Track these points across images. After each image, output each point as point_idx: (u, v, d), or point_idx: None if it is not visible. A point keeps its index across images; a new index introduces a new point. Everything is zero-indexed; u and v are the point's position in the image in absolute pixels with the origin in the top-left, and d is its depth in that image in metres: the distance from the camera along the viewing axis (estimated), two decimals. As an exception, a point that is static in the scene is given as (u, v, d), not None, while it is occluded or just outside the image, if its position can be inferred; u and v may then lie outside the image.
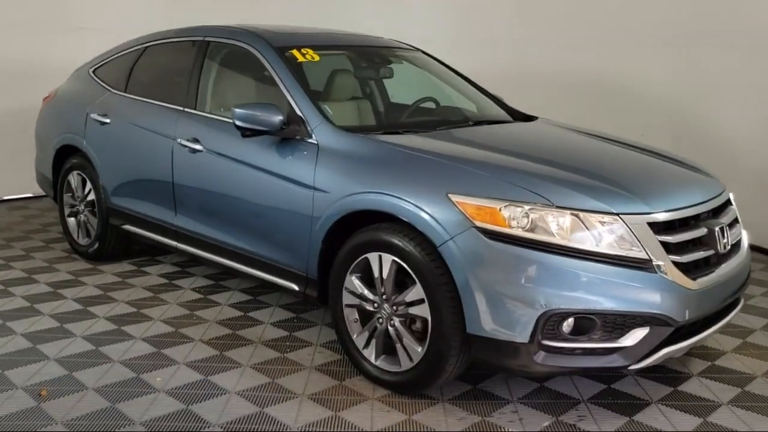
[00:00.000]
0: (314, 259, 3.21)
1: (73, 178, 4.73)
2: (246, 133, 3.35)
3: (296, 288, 3.36)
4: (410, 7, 7.17)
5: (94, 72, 4.81)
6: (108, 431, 2.65)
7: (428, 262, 2.74)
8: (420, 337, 2.85)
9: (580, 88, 6.13)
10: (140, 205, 4.24)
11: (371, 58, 4.30)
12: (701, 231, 2.85)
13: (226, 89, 4.12)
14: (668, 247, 2.70)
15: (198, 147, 3.76)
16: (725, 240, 2.92)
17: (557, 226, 2.62)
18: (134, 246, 4.73)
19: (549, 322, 2.58)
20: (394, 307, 2.91)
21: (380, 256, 2.91)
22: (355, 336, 3.08)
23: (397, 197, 2.86)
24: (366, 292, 3.00)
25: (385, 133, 3.37)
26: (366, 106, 4.13)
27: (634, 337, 2.60)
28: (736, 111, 5.23)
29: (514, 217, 2.64)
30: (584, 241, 2.61)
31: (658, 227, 2.72)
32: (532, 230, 2.62)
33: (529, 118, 4.10)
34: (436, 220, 2.74)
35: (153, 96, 4.26)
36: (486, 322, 2.64)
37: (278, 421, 2.74)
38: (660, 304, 2.61)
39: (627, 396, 2.98)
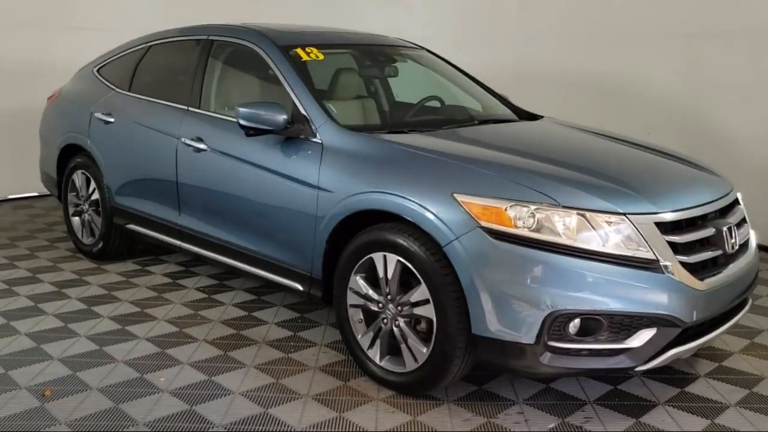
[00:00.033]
0: (319, 259, 3.20)
1: (78, 178, 4.73)
2: (250, 132, 3.33)
3: (300, 288, 3.35)
4: (411, 7, 7.15)
5: (98, 71, 4.81)
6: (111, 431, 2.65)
7: (433, 263, 2.72)
8: (425, 338, 2.83)
9: (583, 87, 6.11)
10: (144, 205, 4.23)
11: (376, 57, 4.28)
12: (709, 231, 2.83)
13: (230, 88, 4.10)
14: (675, 248, 2.67)
15: (202, 146, 3.75)
16: (733, 240, 2.90)
17: (563, 226, 2.60)
18: (138, 245, 4.73)
19: (555, 323, 2.56)
20: (399, 308, 2.89)
21: (385, 256, 2.89)
22: (359, 336, 3.06)
23: (402, 197, 2.84)
24: (371, 292, 2.99)
25: (389, 133, 3.35)
26: (371, 105, 4.11)
27: (641, 338, 2.58)
28: (739, 111, 5.21)
29: (520, 217, 2.62)
30: (591, 241, 2.59)
31: (665, 227, 2.69)
32: (538, 230, 2.60)
33: (534, 117, 4.07)
34: (441, 220, 2.72)
35: (157, 95, 4.25)
36: (491, 322, 2.62)
37: (282, 422, 2.72)
38: (667, 305, 2.58)
39: (633, 397, 2.96)
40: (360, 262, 2.99)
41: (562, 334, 2.58)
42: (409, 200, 2.81)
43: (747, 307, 3.09)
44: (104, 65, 4.80)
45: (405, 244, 2.80)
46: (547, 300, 2.54)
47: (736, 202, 3.15)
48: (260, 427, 2.69)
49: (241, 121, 3.31)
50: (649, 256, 2.60)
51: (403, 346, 2.90)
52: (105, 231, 4.56)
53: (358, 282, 3.01)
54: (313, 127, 3.30)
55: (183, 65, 4.18)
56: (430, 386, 2.88)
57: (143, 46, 4.57)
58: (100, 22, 6.68)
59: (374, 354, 3.01)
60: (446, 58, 4.55)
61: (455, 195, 2.72)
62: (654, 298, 2.58)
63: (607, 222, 2.61)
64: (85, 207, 4.72)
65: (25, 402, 2.83)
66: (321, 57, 3.76)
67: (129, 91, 4.48)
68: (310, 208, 3.19)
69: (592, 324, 2.58)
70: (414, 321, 2.88)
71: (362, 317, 3.05)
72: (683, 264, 2.65)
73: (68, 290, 4.16)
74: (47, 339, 3.45)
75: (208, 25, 4.20)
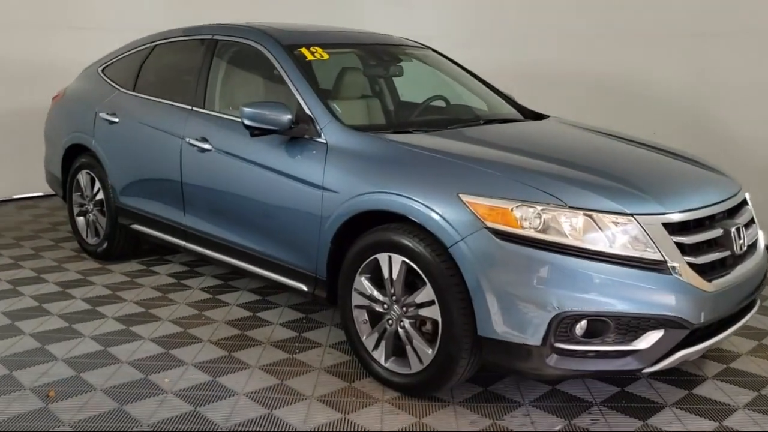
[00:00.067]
0: (323, 260, 3.18)
1: (82, 178, 4.73)
2: (254, 132, 3.32)
3: (305, 288, 3.34)
4: (412, 6, 7.13)
5: (102, 71, 4.81)
6: (116, 433, 2.64)
7: (439, 263, 2.70)
8: (430, 339, 2.81)
9: (587, 87, 6.08)
10: (149, 205, 4.23)
11: (381, 57, 4.27)
12: (717, 232, 2.80)
13: (234, 88, 4.09)
14: (683, 248, 2.65)
15: (207, 146, 3.74)
16: (741, 241, 2.87)
17: (570, 226, 2.58)
18: (143, 245, 4.73)
19: (562, 325, 2.54)
20: (404, 309, 2.87)
21: (390, 257, 2.87)
22: (364, 337, 3.05)
23: (407, 197, 2.82)
24: (375, 293, 2.97)
25: (394, 132, 3.34)
26: (375, 104, 4.10)
27: (649, 339, 2.56)
28: (744, 111, 5.17)
29: (527, 218, 2.60)
30: (597, 242, 2.57)
31: (672, 228, 2.67)
32: (544, 231, 2.58)
33: (540, 117, 4.05)
34: (446, 221, 2.70)
35: (161, 95, 4.24)
36: (497, 324, 2.60)
37: (287, 424, 2.71)
38: (675, 307, 2.56)
39: (641, 399, 2.94)
40: (365, 262, 2.97)
41: (569, 335, 2.56)
42: (415, 201, 2.79)
43: (755, 309, 3.06)
44: (109, 65, 4.80)
45: (410, 244, 2.78)
46: (553, 301, 2.52)
47: (744, 202, 3.13)
48: (264, 429, 2.67)
49: (246, 121, 3.29)
50: (657, 257, 2.57)
51: (408, 347, 2.88)
52: (110, 231, 4.56)
53: (363, 283, 3.00)
54: (318, 127, 3.29)
55: (187, 65, 4.18)
56: (436, 388, 2.86)
57: (148, 45, 4.57)
58: (101, 22, 6.68)
59: (379, 355, 2.99)
60: (450, 57, 4.53)
61: (461, 195, 2.71)
62: (661, 299, 2.56)
63: (614, 222, 2.59)
64: (90, 207, 4.72)
65: (30, 403, 2.82)
66: (326, 56, 3.74)
67: (133, 91, 4.47)
68: (314, 208, 3.17)
69: (599, 325, 2.56)
70: (419, 322, 2.86)
71: (367, 318, 3.04)
72: (691, 265, 2.63)
73: (73, 290, 4.15)
74: (52, 339, 3.44)
75: (213, 25, 4.19)
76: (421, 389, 2.89)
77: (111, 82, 4.66)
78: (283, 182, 3.32)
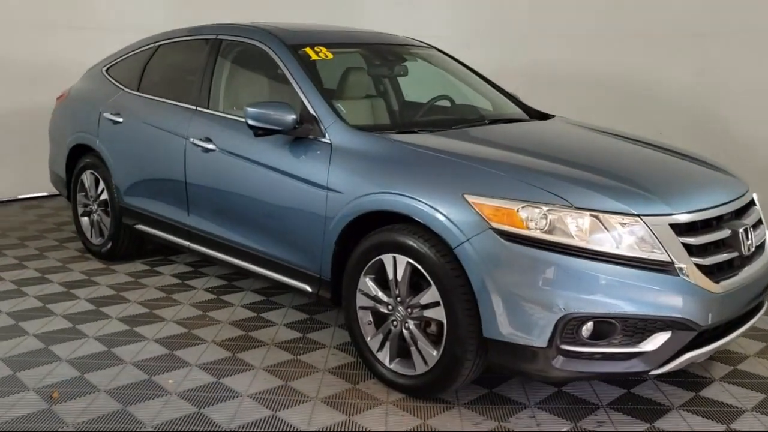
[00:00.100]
0: (327, 260, 3.17)
1: (86, 178, 4.73)
2: (258, 132, 3.31)
3: (309, 289, 3.32)
4: (413, 6, 7.11)
5: (107, 71, 4.80)
6: (119, 434, 2.63)
7: (444, 264, 2.69)
8: (435, 341, 2.79)
9: (592, 87, 6.05)
10: (153, 205, 4.22)
11: (385, 56, 4.25)
12: (724, 232, 2.78)
13: (238, 88, 4.08)
14: (690, 249, 2.63)
15: (210, 146, 3.73)
16: (749, 242, 2.84)
17: (576, 227, 2.56)
18: (147, 246, 4.72)
19: (568, 326, 2.52)
20: (409, 310, 2.86)
21: (394, 258, 2.86)
22: (369, 338, 3.03)
23: (412, 198, 2.80)
24: (380, 294, 2.95)
25: (399, 132, 3.32)
26: (380, 104, 4.08)
27: (656, 341, 2.54)
28: (751, 111, 5.14)
29: (532, 219, 2.58)
30: (604, 242, 2.54)
31: (680, 229, 2.65)
32: (550, 232, 2.56)
33: (545, 117, 4.03)
34: (451, 222, 2.68)
35: (166, 95, 4.24)
36: (503, 325, 2.58)
37: (291, 425, 2.70)
38: (682, 308, 2.54)
39: (647, 401, 2.91)
40: (369, 263, 2.96)
41: (575, 337, 2.54)
42: (419, 201, 2.78)
43: (763, 310, 3.03)
44: (113, 65, 4.79)
45: (415, 245, 2.77)
46: (559, 303, 2.50)
47: (752, 202, 3.10)
48: (269, 430, 2.66)
49: (250, 121, 3.28)
50: (664, 258, 2.55)
51: (412, 348, 2.87)
52: (114, 231, 4.56)
53: (368, 284, 2.98)
54: (322, 127, 3.27)
55: (192, 65, 4.16)
56: (440, 389, 2.84)
57: (152, 45, 4.56)
58: (101, 22, 6.69)
59: (384, 356, 2.98)
60: (455, 57, 4.51)
61: (466, 196, 2.69)
62: (668, 300, 2.53)
63: (620, 223, 2.57)
64: (94, 207, 4.71)
65: (33, 404, 2.81)
66: (330, 56, 3.73)
67: (138, 91, 4.47)
68: (319, 208, 3.16)
69: (606, 327, 2.53)
70: (424, 323, 2.84)
71: (371, 319, 3.02)
72: (698, 266, 2.61)
73: (77, 291, 4.15)
74: (55, 340, 3.44)
75: (217, 25, 4.18)
76: (425, 391, 2.88)
77: (115, 82, 4.66)
78: (288, 182, 3.31)
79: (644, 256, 2.54)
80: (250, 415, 2.77)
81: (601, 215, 2.57)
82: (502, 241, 2.58)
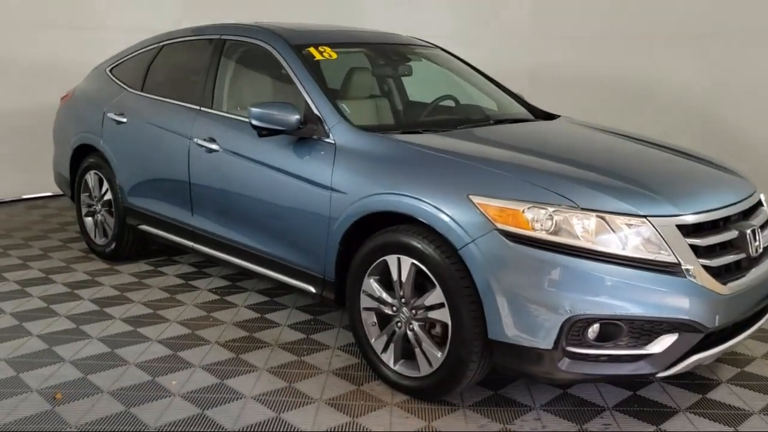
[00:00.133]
0: (331, 261, 3.16)
1: (90, 178, 4.72)
2: (262, 132, 3.30)
3: (313, 290, 3.31)
4: (414, 6, 7.10)
5: (111, 71, 4.80)
6: (122, 436, 2.62)
7: (448, 266, 2.67)
8: (440, 342, 2.78)
9: (596, 88, 6.03)
10: (157, 205, 4.21)
11: (389, 56, 4.24)
12: (732, 234, 2.75)
13: (242, 88, 4.07)
14: (697, 251, 2.60)
15: (214, 147, 3.72)
16: (757, 243, 2.82)
17: (582, 228, 2.54)
18: (151, 246, 4.71)
19: (574, 328, 2.50)
20: (413, 311, 2.84)
21: (399, 259, 2.84)
22: (373, 340, 3.01)
23: (416, 198, 2.79)
24: (384, 295, 2.94)
25: (403, 133, 3.30)
26: (384, 104, 4.07)
27: (663, 343, 2.52)
28: (756, 111, 5.11)
29: (538, 220, 2.56)
30: (610, 244, 2.52)
31: (686, 230, 2.62)
32: (556, 233, 2.54)
33: (550, 117, 4.01)
34: (456, 222, 2.66)
35: (169, 95, 4.23)
36: (508, 327, 2.57)
37: (295, 427, 2.68)
38: (689, 310, 2.52)
39: (654, 404, 2.89)
40: (374, 264, 2.94)
41: (581, 339, 2.52)
42: (424, 202, 2.76)
43: (771, 312, 3.01)
44: (117, 65, 4.79)
45: (419, 246, 2.75)
46: (565, 304, 2.48)
47: (759, 203, 3.07)
48: None
49: (254, 122, 3.27)
50: (671, 259, 2.53)
51: (417, 350, 2.85)
52: (118, 231, 4.55)
53: (372, 285, 2.97)
54: (326, 128, 3.26)
55: (195, 65, 4.16)
56: (445, 391, 2.82)
57: (156, 45, 4.55)
58: (101, 22, 6.68)
59: (388, 358, 2.96)
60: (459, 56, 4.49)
61: (471, 197, 2.67)
62: (675, 302, 2.51)
63: (627, 224, 2.55)
64: (98, 207, 4.71)
65: (36, 405, 2.81)
66: (334, 56, 3.71)
67: (141, 91, 4.46)
68: (323, 209, 3.15)
69: (612, 329, 2.51)
70: (428, 325, 2.82)
71: (376, 320, 3.01)
72: (705, 267, 2.58)
73: (81, 291, 4.14)
74: (59, 341, 3.43)
75: (221, 25, 4.17)
76: (430, 393, 2.86)
77: (119, 83, 4.66)
78: (291, 183, 3.30)
79: (651, 257, 2.52)
80: (253, 416, 2.75)
81: (607, 216, 2.55)
82: (508, 242, 2.56)
